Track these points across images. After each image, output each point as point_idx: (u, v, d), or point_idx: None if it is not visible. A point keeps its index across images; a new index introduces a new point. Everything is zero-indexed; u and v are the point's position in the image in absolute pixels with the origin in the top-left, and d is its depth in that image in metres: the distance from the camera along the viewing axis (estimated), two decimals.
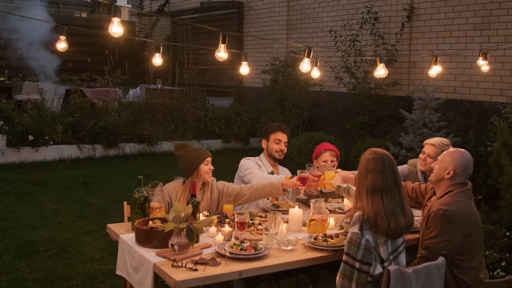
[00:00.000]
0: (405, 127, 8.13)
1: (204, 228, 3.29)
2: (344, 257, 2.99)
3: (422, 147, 7.59)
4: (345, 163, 8.75)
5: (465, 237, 3.26)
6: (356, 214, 3.06)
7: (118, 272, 3.50)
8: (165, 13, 14.90)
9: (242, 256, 3.07)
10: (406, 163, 7.74)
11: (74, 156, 10.25)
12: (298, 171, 4.21)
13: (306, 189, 4.17)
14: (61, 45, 3.51)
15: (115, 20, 3.07)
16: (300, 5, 12.18)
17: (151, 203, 3.67)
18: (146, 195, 3.61)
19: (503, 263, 4.95)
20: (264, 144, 4.82)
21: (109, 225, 3.82)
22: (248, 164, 4.76)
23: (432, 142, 4.37)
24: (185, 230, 3.07)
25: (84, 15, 25.82)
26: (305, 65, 4.42)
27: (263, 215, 3.96)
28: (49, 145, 10.02)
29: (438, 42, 9.33)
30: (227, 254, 3.08)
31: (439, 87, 8.24)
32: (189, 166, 4.11)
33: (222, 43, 3.55)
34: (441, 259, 3.02)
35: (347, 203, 4.21)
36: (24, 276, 5.00)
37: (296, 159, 9.07)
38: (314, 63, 4.67)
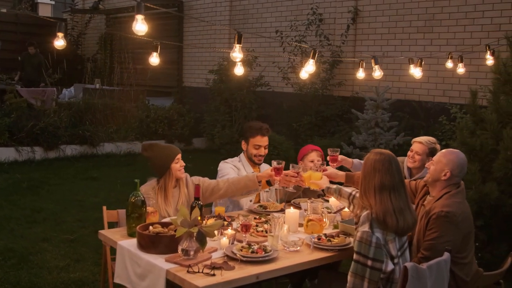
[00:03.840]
0: (356, 127, 8.34)
1: None
2: (355, 256, 3.01)
3: (374, 146, 7.88)
4: (295, 162, 8.85)
5: (464, 236, 3.39)
6: (364, 213, 3.08)
7: (116, 280, 3.35)
8: (100, 11, 14.45)
9: (257, 259, 3.03)
10: None
11: (12, 159, 9.71)
12: (273, 162, 4.23)
13: (281, 181, 4.10)
14: (59, 42, 3.31)
15: (139, 18, 2.93)
16: (243, 5, 12.20)
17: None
18: (143, 199, 3.49)
19: None
20: (243, 146, 4.72)
21: (102, 232, 3.66)
22: (225, 169, 4.65)
23: (420, 140, 4.55)
24: (195, 234, 2.99)
25: (4, 10, 24.55)
26: (310, 67, 4.42)
27: (257, 217, 3.94)
28: None
29: (383, 44, 9.64)
30: (240, 257, 3.03)
31: (390, 88, 8.51)
32: (159, 167, 4.00)
33: (237, 43, 3.48)
34: (446, 255, 3.13)
35: (334, 202, 4.27)
36: None
37: None
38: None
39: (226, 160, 4.73)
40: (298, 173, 4.15)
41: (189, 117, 12.08)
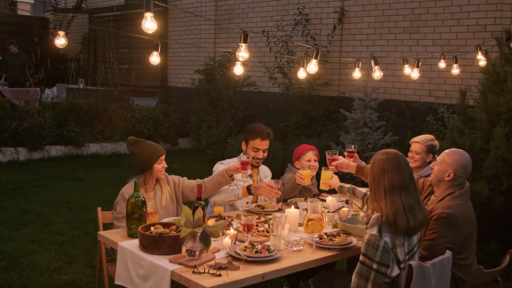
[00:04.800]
0: (345, 126, 8.37)
1: None
2: (361, 258, 2.98)
3: (363, 145, 7.93)
4: (283, 162, 8.85)
5: (465, 237, 3.39)
6: (374, 215, 3.04)
7: (117, 282, 3.31)
8: (83, 10, 14.29)
9: (262, 259, 3.02)
10: None
11: None
12: (241, 155, 4.44)
13: (245, 173, 4.20)
14: (60, 41, 3.25)
15: (148, 16, 2.89)
16: (229, 5, 12.17)
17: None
18: (143, 199, 3.45)
19: None
20: (243, 147, 4.67)
21: (101, 233, 3.60)
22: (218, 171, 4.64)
23: (417, 140, 4.64)
24: (200, 235, 2.97)
25: None
26: (312, 67, 4.41)
27: (257, 217, 3.92)
28: None
29: (369, 44, 9.69)
30: (245, 257, 3.02)
31: (377, 88, 8.55)
32: (142, 165, 4.03)
33: (243, 43, 3.45)
34: (449, 253, 3.15)
35: (332, 202, 4.28)
36: None
37: None
38: (301, 64, 4.66)
39: (222, 161, 4.68)
40: (279, 188, 4.18)
41: (174, 117, 12.04)
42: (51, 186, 8.33)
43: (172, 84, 13.55)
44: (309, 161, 4.68)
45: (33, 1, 23.90)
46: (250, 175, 4.63)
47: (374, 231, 2.96)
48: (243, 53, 3.56)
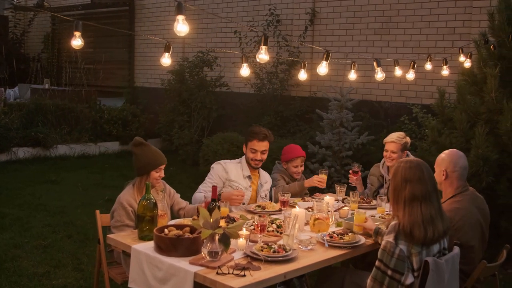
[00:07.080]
0: (320, 126, 8.49)
1: None
2: (377, 263, 3.04)
3: (339, 145, 8.06)
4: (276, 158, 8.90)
5: (463, 244, 3.42)
6: (393, 223, 3.08)
7: (131, 285, 3.27)
8: (45, 8, 13.94)
9: (281, 258, 3.06)
10: (325, 161, 8.15)
11: None
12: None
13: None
14: (77, 42, 3.19)
15: (180, 18, 2.87)
16: (198, 5, 12.13)
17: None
18: (155, 201, 3.44)
19: None
20: (244, 149, 4.71)
21: (111, 236, 3.55)
22: (213, 173, 4.58)
23: (392, 140, 4.79)
24: (220, 236, 2.98)
25: None
26: (322, 68, 4.47)
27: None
28: None
29: (340, 45, 9.84)
30: (265, 258, 3.05)
31: (353, 88, 8.70)
32: (140, 168, 4.03)
33: (263, 45, 3.47)
34: (457, 249, 3.27)
35: (331, 201, 4.36)
36: None
37: (212, 160, 9.04)
38: (302, 65, 4.72)
39: (219, 162, 4.71)
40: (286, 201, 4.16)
41: (143, 118, 11.92)
42: (24, 189, 8.13)
43: (139, 84, 13.40)
44: (296, 167, 4.83)
45: None
46: (249, 177, 4.66)
47: (390, 238, 3.01)
48: (263, 56, 3.59)
